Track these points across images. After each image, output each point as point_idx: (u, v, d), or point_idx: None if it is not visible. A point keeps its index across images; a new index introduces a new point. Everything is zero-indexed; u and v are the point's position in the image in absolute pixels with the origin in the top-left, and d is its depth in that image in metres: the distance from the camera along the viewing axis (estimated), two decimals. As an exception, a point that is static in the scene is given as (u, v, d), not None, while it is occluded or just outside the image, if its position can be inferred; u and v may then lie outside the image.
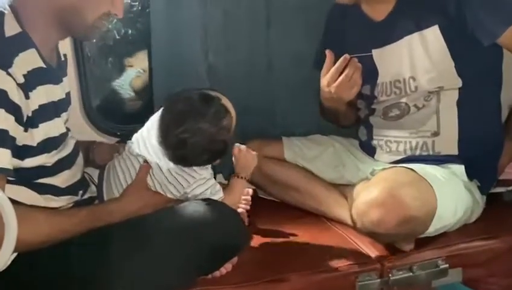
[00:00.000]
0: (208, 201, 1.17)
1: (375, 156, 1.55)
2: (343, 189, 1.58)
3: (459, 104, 1.41)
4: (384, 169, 1.42)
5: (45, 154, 1.10)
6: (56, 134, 1.14)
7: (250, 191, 1.40)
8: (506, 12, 1.34)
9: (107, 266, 1.02)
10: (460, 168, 1.42)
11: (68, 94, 1.25)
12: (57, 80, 1.17)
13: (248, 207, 1.37)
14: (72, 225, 1.10)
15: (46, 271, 1.06)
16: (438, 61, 1.38)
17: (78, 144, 1.28)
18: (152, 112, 1.76)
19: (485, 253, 1.39)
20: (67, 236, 1.08)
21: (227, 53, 1.76)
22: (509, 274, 1.42)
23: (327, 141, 1.70)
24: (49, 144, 1.11)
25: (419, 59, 1.40)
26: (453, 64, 1.37)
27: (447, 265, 1.34)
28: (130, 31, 1.86)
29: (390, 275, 1.31)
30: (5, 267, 1.00)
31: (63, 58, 1.24)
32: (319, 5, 1.71)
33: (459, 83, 1.39)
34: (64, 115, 1.20)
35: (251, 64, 1.80)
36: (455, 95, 1.41)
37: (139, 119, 1.84)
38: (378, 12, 1.46)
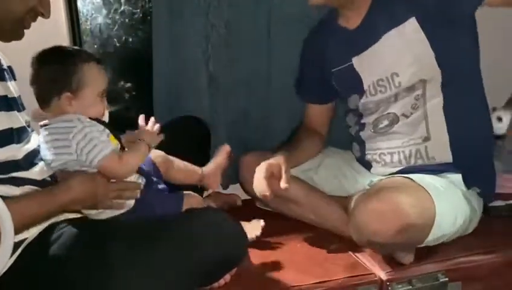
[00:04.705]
0: (210, 212, 1.16)
1: (372, 170, 1.56)
2: (343, 201, 1.57)
3: (445, 108, 1.42)
4: (381, 180, 1.42)
5: (11, 146, 1.11)
6: (13, 125, 1.14)
7: (261, 221, 1.44)
8: None
9: (107, 277, 1.01)
10: (457, 177, 1.42)
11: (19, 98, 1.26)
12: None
13: (259, 233, 1.42)
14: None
15: (45, 277, 1.05)
16: (418, 53, 1.39)
17: None
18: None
19: (484, 267, 1.38)
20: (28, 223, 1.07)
21: (228, 63, 1.76)
22: (509, 289, 1.41)
23: (326, 153, 1.70)
24: (9, 134, 1.12)
25: (400, 54, 1.41)
26: (433, 54, 1.38)
27: (447, 279, 1.33)
28: (130, 39, 1.86)
29: (389, 288, 1.31)
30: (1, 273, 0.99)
31: (5, 67, 1.24)
32: (319, 17, 1.72)
33: (439, 74, 1.39)
34: (20, 114, 1.21)
35: (252, 75, 1.80)
36: (440, 100, 1.42)
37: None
38: (353, 20, 1.48)
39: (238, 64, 1.78)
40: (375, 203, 1.27)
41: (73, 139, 1.15)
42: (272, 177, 1.42)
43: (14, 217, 0.96)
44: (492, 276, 1.39)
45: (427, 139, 1.44)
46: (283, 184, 1.39)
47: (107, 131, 1.22)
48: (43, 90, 1.19)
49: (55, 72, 1.18)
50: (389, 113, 1.47)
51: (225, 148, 1.53)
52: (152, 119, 1.34)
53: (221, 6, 1.72)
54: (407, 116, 1.44)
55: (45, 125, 1.20)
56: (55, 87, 1.18)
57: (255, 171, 1.56)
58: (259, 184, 1.42)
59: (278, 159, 1.46)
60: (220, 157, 1.53)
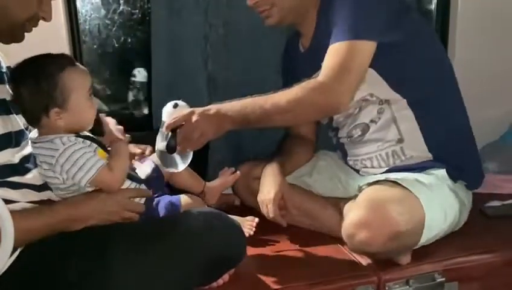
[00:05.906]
0: (209, 212, 1.16)
1: (360, 173, 1.57)
2: (338, 203, 1.57)
3: (410, 105, 1.42)
4: (369, 185, 1.42)
5: (9, 150, 1.11)
6: (12, 129, 1.13)
7: (256, 219, 1.42)
8: (354, 26, 1.32)
9: (105, 275, 1.01)
10: (442, 172, 1.43)
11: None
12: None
13: (252, 232, 1.38)
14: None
15: (44, 277, 1.06)
16: None
17: None
18: (151, 120, 1.78)
19: (481, 267, 1.39)
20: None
21: (226, 63, 1.76)
22: (506, 289, 1.42)
23: (318, 156, 1.71)
24: (7, 139, 1.11)
25: None
26: None
27: (444, 279, 1.34)
28: (129, 39, 1.87)
29: (386, 288, 1.31)
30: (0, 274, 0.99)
31: (4, 69, 1.22)
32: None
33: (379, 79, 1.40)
34: (18, 116, 1.19)
35: (250, 75, 1.80)
36: (401, 99, 1.42)
37: (139, 128, 1.83)
38: (306, 40, 1.53)
39: (237, 64, 1.79)
40: (363, 215, 1.27)
41: (57, 164, 1.12)
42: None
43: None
44: (489, 276, 1.39)
45: (400, 140, 1.45)
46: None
47: (94, 145, 1.16)
48: (28, 110, 1.14)
49: (35, 90, 1.10)
50: (358, 124, 1.49)
51: (236, 174, 1.52)
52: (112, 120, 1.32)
53: (219, 6, 1.73)
54: (376, 122, 1.46)
55: (33, 142, 1.16)
56: (40, 106, 1.11)
57: (250, 181, 1.57)
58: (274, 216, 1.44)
59: (277, 188, 1.45)
60: (227, 179, 1.51)
